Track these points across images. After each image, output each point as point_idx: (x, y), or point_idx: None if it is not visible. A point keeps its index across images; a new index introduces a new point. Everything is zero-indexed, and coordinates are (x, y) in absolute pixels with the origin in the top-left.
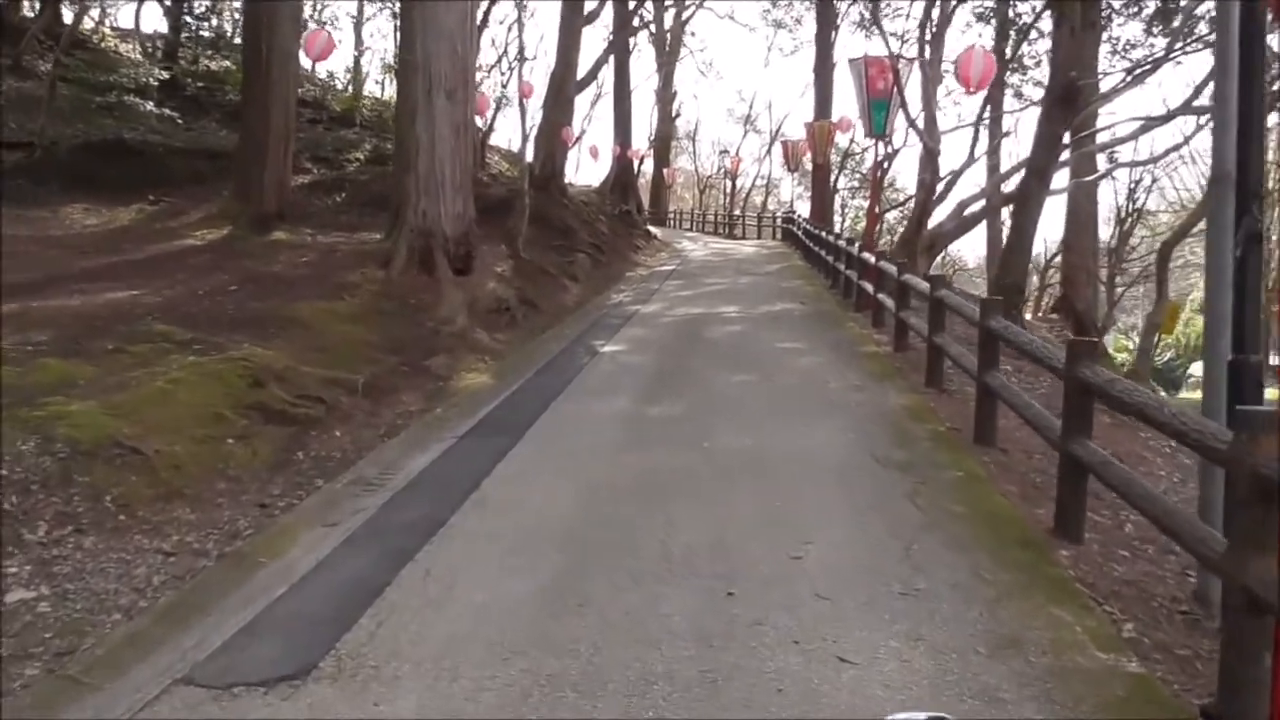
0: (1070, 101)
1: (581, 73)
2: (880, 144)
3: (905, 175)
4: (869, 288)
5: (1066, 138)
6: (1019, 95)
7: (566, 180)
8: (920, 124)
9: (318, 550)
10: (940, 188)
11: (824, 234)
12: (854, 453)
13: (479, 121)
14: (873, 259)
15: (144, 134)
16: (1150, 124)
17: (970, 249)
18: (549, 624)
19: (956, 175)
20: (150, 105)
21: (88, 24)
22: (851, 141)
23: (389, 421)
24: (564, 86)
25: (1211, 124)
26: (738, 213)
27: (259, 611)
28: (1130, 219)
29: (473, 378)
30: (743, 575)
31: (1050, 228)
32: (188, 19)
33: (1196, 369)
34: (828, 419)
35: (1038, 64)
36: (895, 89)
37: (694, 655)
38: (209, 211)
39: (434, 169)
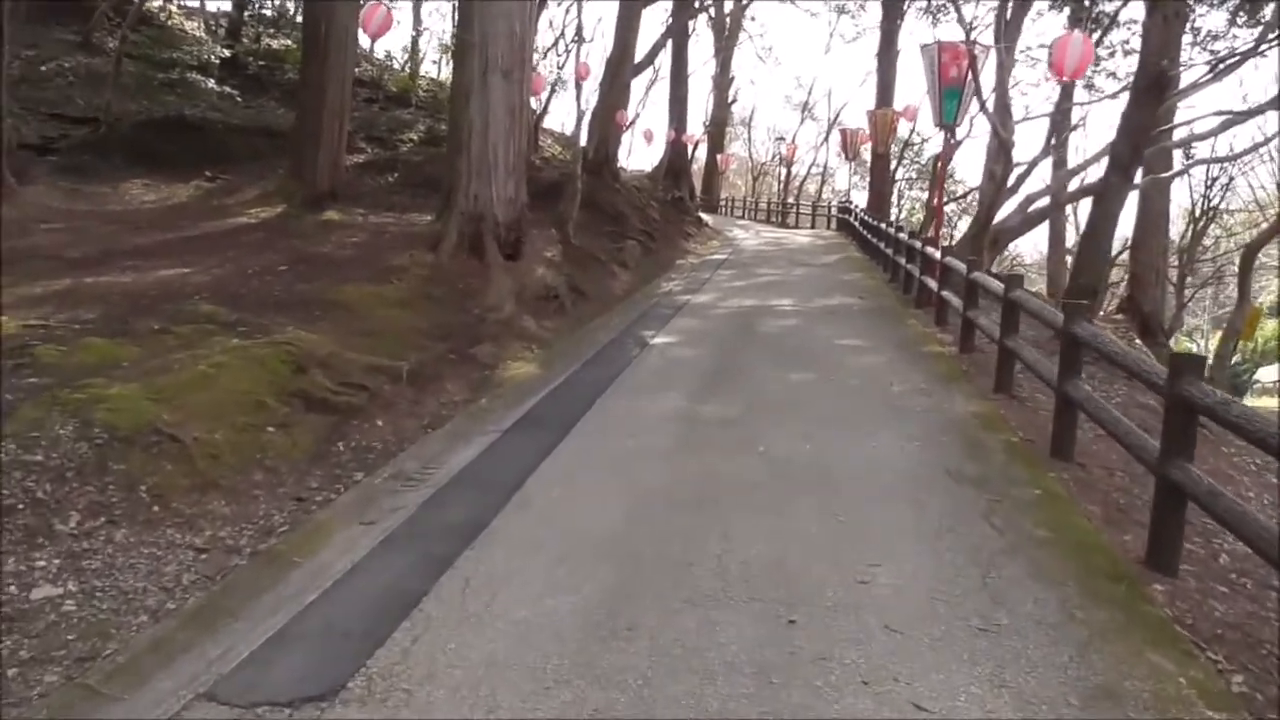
0: (1160, 91)
1: (639, 56)
2: (947, 134)
3: (963, 168)
4: (932, 284)
5: None
6: (1090, 87)
7: (619, 165)
8: (993, 114)
9: (353, 551)
10: (1011, 181)
11: (883, 226)
12: (923, 464)
13: (533, 103)
14: (937, 254)
15: (204, 111)
16: (1235, 119)
17: (1029, 245)
18: (595, 649)
19: (1030, 167)
20: (211, 82)
21: (155, 1)
22: (913, 131)
23: (432, 411)
24: (620, 69)
25: None
26: (791, 201)
27: (288, 620)
28: (1204, 218)
29: (519, 367)
30: (805, 600)
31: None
32: None
33: (1263, 374)
34: (893, 425)
35: (1111, 54)
36: (970, 76)
37: (753, 693)
38: (264, 189)
39: (487, 151)
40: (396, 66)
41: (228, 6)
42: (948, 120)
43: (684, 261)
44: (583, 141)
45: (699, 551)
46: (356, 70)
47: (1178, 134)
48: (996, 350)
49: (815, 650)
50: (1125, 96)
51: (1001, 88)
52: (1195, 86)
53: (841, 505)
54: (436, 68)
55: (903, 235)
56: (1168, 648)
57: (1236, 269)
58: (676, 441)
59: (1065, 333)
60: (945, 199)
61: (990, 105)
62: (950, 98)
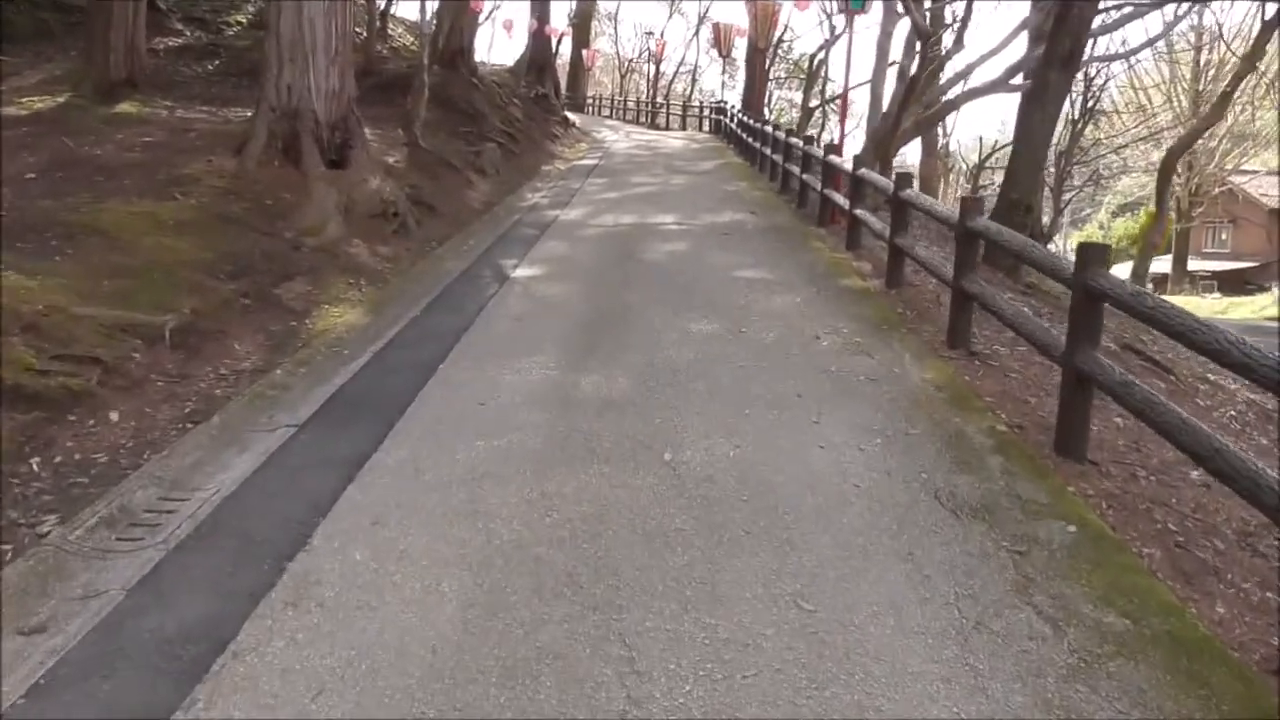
0: None
1: None
2: (850, 20)
3: (835, 67)
4: (841, 200)
5: None
6: None
7: (477, 58)
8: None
9: None
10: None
11: (770, 129)
12: (895, 478)
13: None
14: (847, 165)
15: None
16: (1135, 11)
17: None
18: None
19: (943, 61)
20: None
21: None
22: (786, 28)
23: (202, 391)
24: None
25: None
26: (661, 101)
27: None
28: (1083, 119)
29: (338, 314)
30: None
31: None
32: None
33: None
34: (838, 406)
35: None
36: None
37: None
38: (50, 75)
39: (301, 32)
40: None
41: None
42: (855, 5)
43: (550, 167)
44: (432, 28)
45: (589, 695)
46: None
47: None
48: (951, 293)
49: None
50: None
51: None
52: None
53: (803, 575)
54: None
55: (796, 141)
56: None
57: (1110, 169)
58: (545, 442)
59: (1079, 284)
60: (819, 101)
61: None
62: None
